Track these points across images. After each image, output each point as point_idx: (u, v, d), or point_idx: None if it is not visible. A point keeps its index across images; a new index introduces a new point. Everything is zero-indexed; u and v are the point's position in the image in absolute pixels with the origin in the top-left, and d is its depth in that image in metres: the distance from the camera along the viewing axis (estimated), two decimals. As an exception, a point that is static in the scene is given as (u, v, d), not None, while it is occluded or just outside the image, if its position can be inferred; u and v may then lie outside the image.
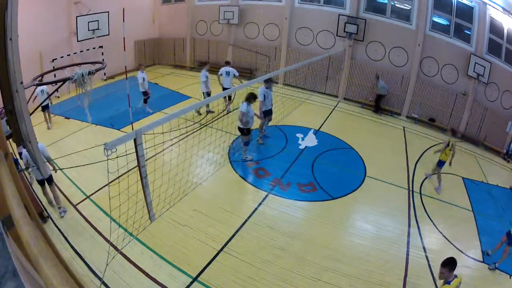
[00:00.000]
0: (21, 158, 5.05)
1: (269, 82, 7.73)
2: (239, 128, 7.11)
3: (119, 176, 4.11)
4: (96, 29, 11.69)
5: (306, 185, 6.60)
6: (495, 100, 9.46)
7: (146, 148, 3.36)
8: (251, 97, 6.87)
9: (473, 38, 9.64)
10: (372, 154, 8.12)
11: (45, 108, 8.41)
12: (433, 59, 10.41)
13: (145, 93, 9.57)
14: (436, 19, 10.23)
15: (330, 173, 7.18)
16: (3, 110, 2.27)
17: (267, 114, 8.02)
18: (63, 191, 5.96)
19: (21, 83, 2.10)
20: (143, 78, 9.35)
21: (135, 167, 3.13)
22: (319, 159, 7.64)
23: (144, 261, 4.54)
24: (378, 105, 11.28)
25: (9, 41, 1.94)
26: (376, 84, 11.07)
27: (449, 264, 3.36)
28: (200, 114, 9.60)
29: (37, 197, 5.67)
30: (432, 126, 10.66)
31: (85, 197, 5.85)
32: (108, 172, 3.12)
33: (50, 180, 5.31)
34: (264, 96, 7.67)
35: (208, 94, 9.53)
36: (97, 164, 6.77)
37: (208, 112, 9.78)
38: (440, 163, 6.99)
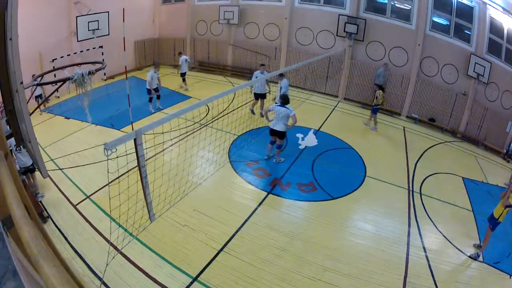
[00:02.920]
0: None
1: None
2: (279, 132, 6.84)
3: (119, 176, 4.11)
4: (96, 29, 11.68)
5: (306, 185, 6.59)
6: (495, 100, 9.46)
7: (146, 148, 3.36)
8: (288, 100, 6.79)
9: (473, 38, 9.64)
10: (372, 154, 8.12)
11: (37, 97, 9.18)
12: (433, 59, 10.42)
13: (149, 92, 9.60)
14: (436, 19, 10.23)
15: (330, 173, 7.18)
16: (3, 110, 2.27)
17: None
18: (63, 191, 5.97)
19: (21, 83, 2.10)
20: (151, 77, 9.40)
21: (135, 167, 3.13)
22: (319, 159, 7.64)
23: (144, 261, 4.54)
24: None
25: (9, 41, 1.94)
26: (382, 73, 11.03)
27: None
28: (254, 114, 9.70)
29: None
30: (432, 126, 10.67)
31: (85, 197, 5.85)
32: (108, 172, 3.12)
33: (33, 169, 5.47)
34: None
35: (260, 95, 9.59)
36: (97, 164, 6.77)
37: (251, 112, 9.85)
38: (374, 110, 9.37)
